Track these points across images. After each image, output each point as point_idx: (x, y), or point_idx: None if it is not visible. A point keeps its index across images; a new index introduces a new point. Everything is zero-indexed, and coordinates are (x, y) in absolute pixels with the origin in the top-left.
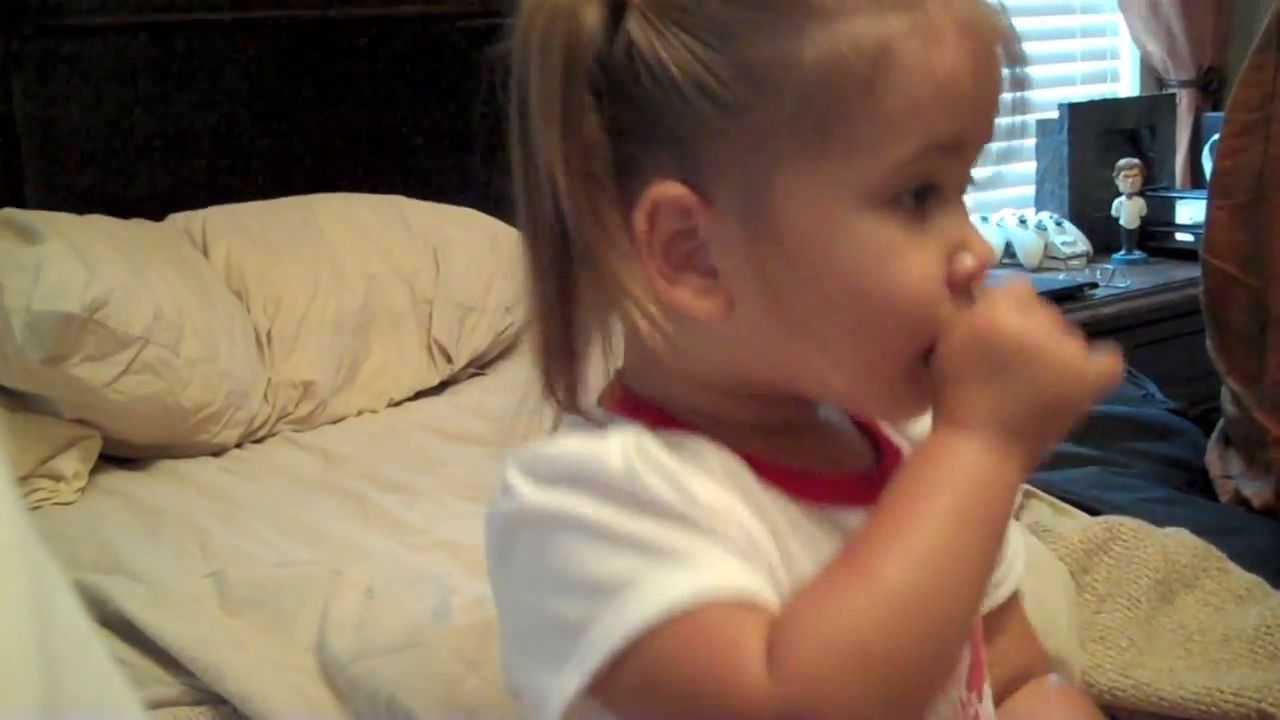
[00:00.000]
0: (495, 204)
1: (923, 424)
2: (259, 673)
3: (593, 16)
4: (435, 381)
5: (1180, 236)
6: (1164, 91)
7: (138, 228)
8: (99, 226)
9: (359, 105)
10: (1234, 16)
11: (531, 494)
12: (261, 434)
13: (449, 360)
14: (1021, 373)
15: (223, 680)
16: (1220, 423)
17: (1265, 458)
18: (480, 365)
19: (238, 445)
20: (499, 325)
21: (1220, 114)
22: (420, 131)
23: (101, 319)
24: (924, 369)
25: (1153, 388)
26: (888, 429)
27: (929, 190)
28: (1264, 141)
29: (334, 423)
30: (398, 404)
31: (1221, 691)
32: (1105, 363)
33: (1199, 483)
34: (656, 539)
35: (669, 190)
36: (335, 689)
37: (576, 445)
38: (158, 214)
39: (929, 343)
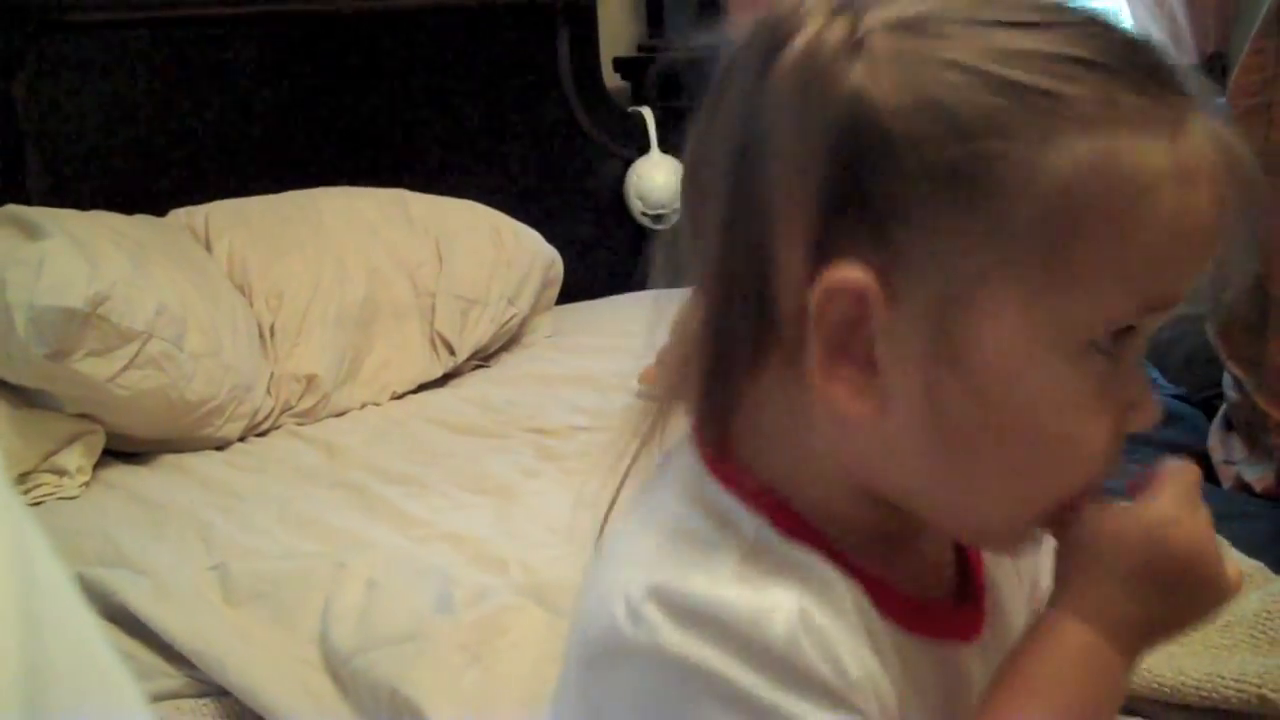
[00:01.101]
0: (496, 197)
1: None
2: (261, 664)
3: (845, 72)
4: (438, 374)
5: None
6: None
7: (140, 223)
8: (101, 222)
9: (361, 99)
10: (1238, 1)
11: (672, 636)
12: (265, 427)
13: (452, 353)
14: (1182, 592)
15: (225, 672)
16: (1222, 408)
17: (1267, 443)
18: (483, 357)
19: (241, 439)
20: (501, 317)
21: (1223, 99)
22: (422, 125)
23: (104, 314)
24: (1053, 515)
25: (1155, 374)
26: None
27: (1127, 332)
28: (1265, 126)
29: (337, 416)
30: (400, 397)
31: (1223, 677)
32: (1237, 575)
33: (1201, 468)
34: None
35: (853, 274)
36: (338, 681)
37: (736, 597)
38: (161, 209)
39: (1076, 494)
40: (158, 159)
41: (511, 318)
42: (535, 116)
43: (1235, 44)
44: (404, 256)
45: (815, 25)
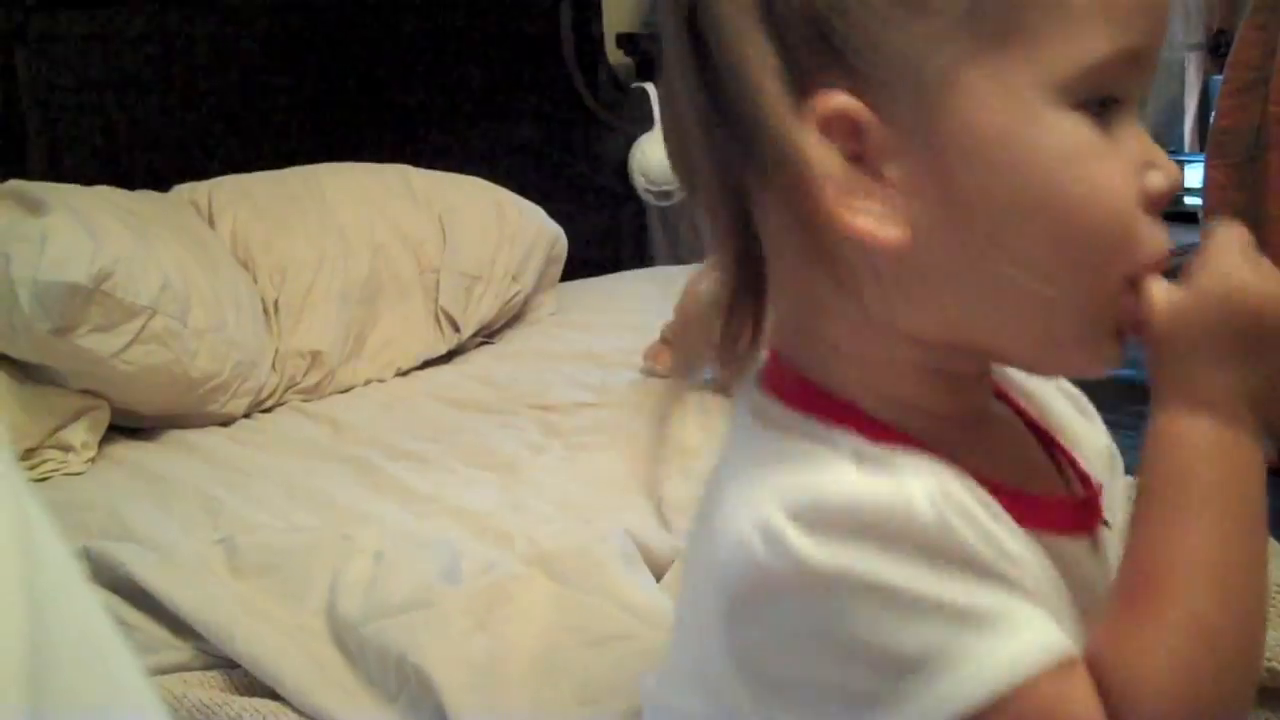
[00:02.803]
0: (500, 173)
1: (1048, 393)
2: (269, 635)
3: None
4: (443, 350)
5: (1190, 200)
6: (1173, 55)
7: (144, 199)
8: (105, 197)
9: (365, 75)
10: None
11: (814, 550)
12: (270, 404)
13: (456, 329)
14: (1271, 345)
15: (233, 642)
16: None
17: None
18: (488, 334)
19: (246, 415)
20: (506, 294)
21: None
22: (425, 101)
23: (108, 289)
24: (1118, 302)
25: None
26: (1056, 434)
27: (1112, 102)
28: (1262, 101)
29: (342, 392)
30: (405, 373)
31: None
32: None
33: None
34: (971, 603)
35: (838, 101)
36: (345, 650)
37: (870, 489)
38: (164, 185)
39: (1128, 269)
40: (161, 135)
41: (515, 294)
42: (539, 93)
43: (1241, 22)
44: (408, 232)
45: None
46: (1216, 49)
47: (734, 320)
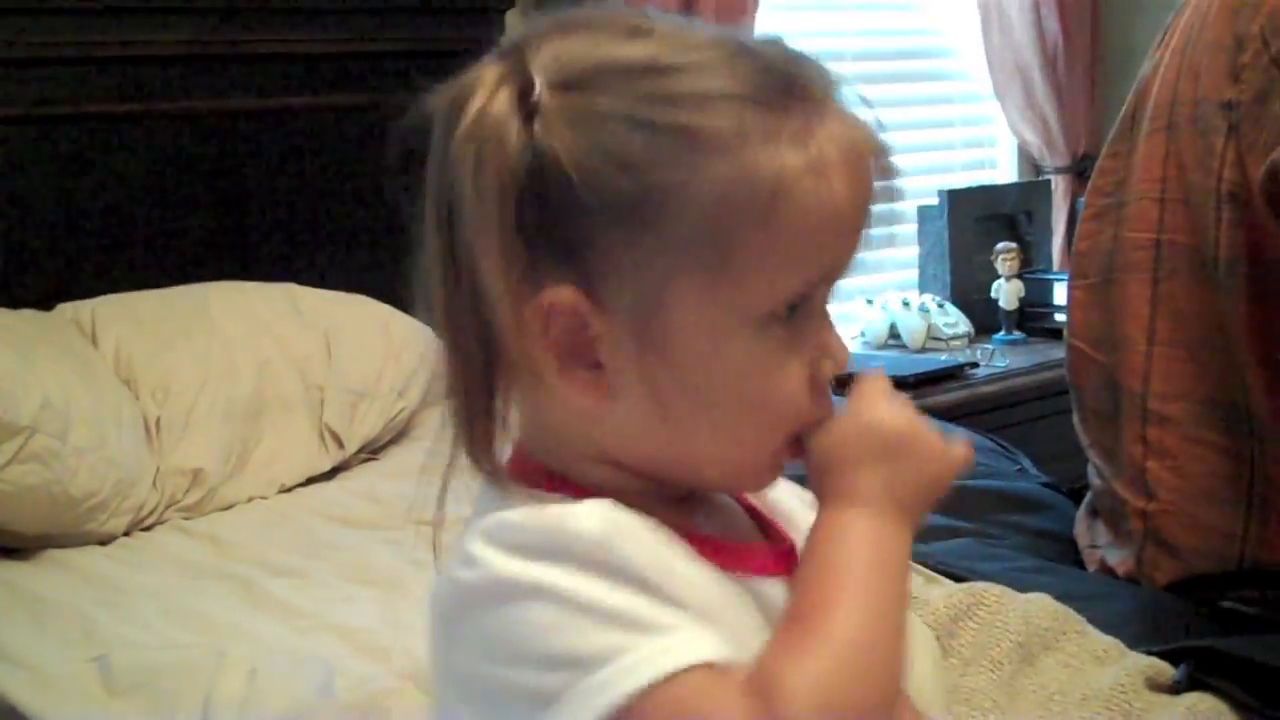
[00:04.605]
0: (386, 291)
1: (779, 491)
2: None
3: (514, 131)
4: (327, 467)
5: (1058, 317)
6: (1040, 178)
7: (25, 318)
8: None
9: (251, 195)
10: (1106, 107)
11: (501, 563)
12: (150, 522)
13: (341, 446)
14: (907, 458)
15: None
16: (1088, 495)
17: (1127, 528)
18: (372, 450)
19: (126, 534)
20: (391, 410)
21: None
22: (312, 220)
23: None
24: (782, 451)
25: (1027, 462)
26: (753, 500)
27: (802, 301)
28: (1115, 225)
29: (224, 509)
30: (289, 490)
31: None
32: (963, 448)
33: (1069, 553)
34: (634, 610)
35: (563, 295)
36: None
37: (547, 512)
38: (47, 304)
39: (792, 434)
40: (44, 254)
41: (401, 410)
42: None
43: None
44: (293, 349)
45: (484, 94)
46: (1081, 172)
47: (476, 416)
